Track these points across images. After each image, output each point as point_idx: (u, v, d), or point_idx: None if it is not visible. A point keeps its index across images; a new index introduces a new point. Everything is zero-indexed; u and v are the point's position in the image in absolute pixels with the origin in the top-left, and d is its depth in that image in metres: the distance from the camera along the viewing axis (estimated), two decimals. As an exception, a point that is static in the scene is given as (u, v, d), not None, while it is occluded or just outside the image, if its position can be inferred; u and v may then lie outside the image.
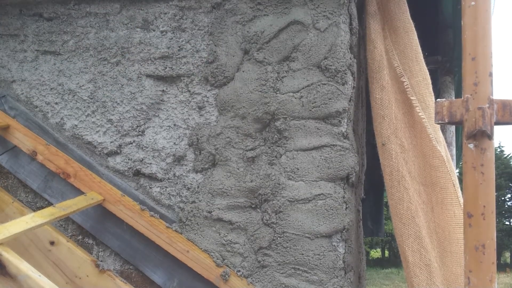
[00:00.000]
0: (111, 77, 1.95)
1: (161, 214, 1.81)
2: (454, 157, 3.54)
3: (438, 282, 1.73)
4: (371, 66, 1.94)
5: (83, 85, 1.98)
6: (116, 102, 1.93)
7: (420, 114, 1.87)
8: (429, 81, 1.94)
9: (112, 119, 1.93)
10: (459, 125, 1.26)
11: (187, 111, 1.85)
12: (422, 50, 1.96)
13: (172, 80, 1.89)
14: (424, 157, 1.87)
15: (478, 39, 1.22)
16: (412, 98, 1.90)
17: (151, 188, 1.86)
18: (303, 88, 1.73)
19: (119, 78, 1.94)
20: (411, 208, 1.79)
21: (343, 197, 1.68)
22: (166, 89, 1.89)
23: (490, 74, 1.21)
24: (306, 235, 1.66)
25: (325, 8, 1.74)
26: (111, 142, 1.92)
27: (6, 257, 1.36)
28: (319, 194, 1.67)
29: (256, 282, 1.69)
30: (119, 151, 1.91)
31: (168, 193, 1.84)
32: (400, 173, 1.83)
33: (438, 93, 3.62)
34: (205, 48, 1.85)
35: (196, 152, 1.82)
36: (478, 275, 1.16)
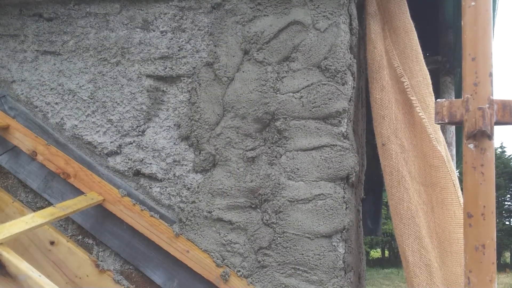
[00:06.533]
0: (111, 77, 1.95)
1: (161, 214, 1.81)
2: (454, 157, 3.54)
3: (438, 282, 1.73)
4: (371, 66, 1.94)
5: (83, 85, 1.98)
6: (116, 102, 1.93)
7: (420, 114, 1.87)
8: (429, 81, 1.94)
9: (112, 119, 1.93)
10: (459, 125, 1.26)
11: (187, 111, 1.85)
12: (422, 50, 1.96)
13: (172, 80, 1.89)
14: (424, 157, 1.87)
15: (478, 39, 1.22)
16: (412, 98, 1.90)
17: (151, 188, 1.86)
18: (303, 88, 1.73)
19: (119, 78, 1.94)
20: (411, 208, 1.79)
21: (343, 197, 1.68)
22: (166, 89, 1.89)
23: (490, 75, 1.21)
24: (306, 235, 1.66)
25: (325, 9, 1.74)
26: (111, 142, 1.92)
27: (6, 257, 1.36)
28: (319, 194, 1.67)
29: (256, 282, 1.69)
30: (119, 151, 1.91)
31: (168, 193, 1.84)
32: (400, 173, 1.83)
33: (438, 94, 3.62)
34: (205, 48, 1.85)
35: (196, 152, 1.82)
36: (478, 275, 1.16)
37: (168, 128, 1.87)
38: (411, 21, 1.98)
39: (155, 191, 1.86)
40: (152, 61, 1.91)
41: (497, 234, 1.23)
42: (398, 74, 1.93)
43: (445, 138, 2.80)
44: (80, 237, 1.93)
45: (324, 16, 1.73)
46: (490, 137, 1.18)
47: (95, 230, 1.89)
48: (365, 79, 2.25)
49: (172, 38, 1.90)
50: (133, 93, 1.91)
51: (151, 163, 1.87)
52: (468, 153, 1.20)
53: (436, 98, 1.62)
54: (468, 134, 1.19)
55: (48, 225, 1.87)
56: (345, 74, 1.70)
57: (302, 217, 1.67)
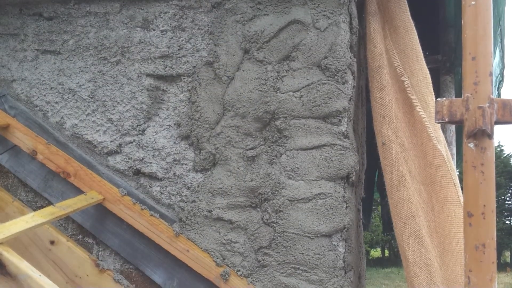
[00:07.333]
0: (111, 77, 1.95)
1: (161, 214, 1.81)
2: (454, 156, 3.54)
3: (438, 281, 1.73)
4: (371, 65, 1.94)
5: (83, 84, 1.98)
6: (116, 101, 1.93)
7: (420, 113, 1.87)
8: (429, 80, 1.94)
9: (112, 118, 1.93)
10: (459, 124, 1.25)
11: (187, 111, 1.85)
12: (423, 49, 1.96)
13: (172, 79, 1.89)
14: (425, 156, 1.87)
15: (478, 39, 1.22)
16: (412, 97, 1.90)
17: (151, 187, 1.86)
18: (303, 87, 1.72)
19: (119, 78, 1.94)
20: (411, 207, 1.79)
21: (343, 197, 1.68)
22: (166, 88, 1.89)
23: (490, 74, 1.21)
24: (306, 234, 1.66)
25: (325, 8, 1.74)
26: (111, 141, 1.92)
27: (6, 257, 1.36)
28: (319, 194, 1.67)
29: (256, 281, 1.69)
30: (119, 150, 1.91)
31: (168, 193, 1.84)
32: (400, 172, 1.82)
33: (438, 93, 3.62)
34: (205, 47, 1.85)
35: (196, 152, 1.82)
36: (478, 275, 1.16)
37: (168, 127, 1.87)
38: (411, 20, 1.98)
39: (155, 190, 1.86)
40: (152, 60, 1.91)
41: (497, 233, 1.23)
42: (398, 73, 1.93)
43: (445, 137, 2.79)
44: (80, 236, 1.93)
45: (324, 15, 1.73)
46: (490, 136, 1.18)
47: (95, 229, 1.89)
48: (365, 78, 2.25)
49: (172, 37, 1.90)
50: (133, 92, 1.91)
51: (151, 162, 1.87)
52: (468, 152, 1.20)
53: (436, 97, 1.62)
54: (468, 133, 1.19)
55: (48, 225, 1.87)
56: (345, 73, 1.70)
57: (302, 216, 1.67)
